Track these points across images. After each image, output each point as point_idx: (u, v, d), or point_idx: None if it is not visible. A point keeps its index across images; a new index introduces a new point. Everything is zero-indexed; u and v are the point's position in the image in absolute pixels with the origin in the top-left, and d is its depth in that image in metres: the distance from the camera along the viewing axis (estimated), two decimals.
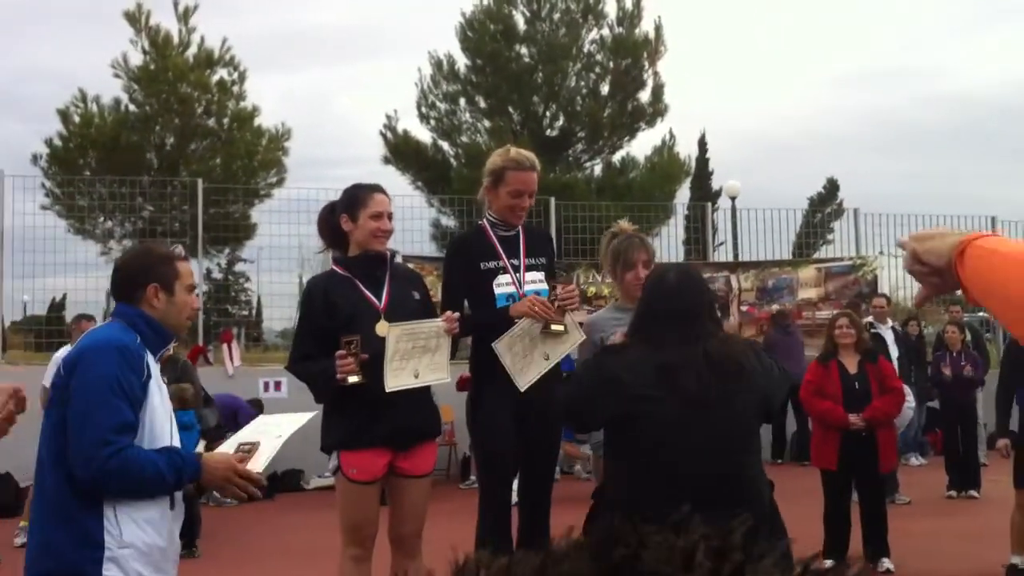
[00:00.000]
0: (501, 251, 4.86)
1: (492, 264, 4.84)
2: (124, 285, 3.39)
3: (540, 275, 4.92)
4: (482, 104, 22.63)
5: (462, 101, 22.74)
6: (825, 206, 29.16)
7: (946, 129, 70.08)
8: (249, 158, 21.04)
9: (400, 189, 18.67)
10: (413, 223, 15.38)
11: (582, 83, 22.61)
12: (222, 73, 21.12)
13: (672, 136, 22.54)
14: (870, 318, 10.77)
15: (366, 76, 68.69)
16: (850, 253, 15.62)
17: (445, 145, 22.88)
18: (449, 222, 20.20)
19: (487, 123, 22.52)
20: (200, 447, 8.09)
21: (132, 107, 20.67)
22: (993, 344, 16.29)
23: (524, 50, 22.46)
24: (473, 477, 10.60)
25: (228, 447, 3.51)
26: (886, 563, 7.21)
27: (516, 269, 4.86)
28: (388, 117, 22.67)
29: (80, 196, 18.77)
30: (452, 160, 22.54)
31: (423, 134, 22.85)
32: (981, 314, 17.76)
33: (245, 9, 55.65)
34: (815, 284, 14.91)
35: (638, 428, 3.50)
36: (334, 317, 4.60)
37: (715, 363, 3.49)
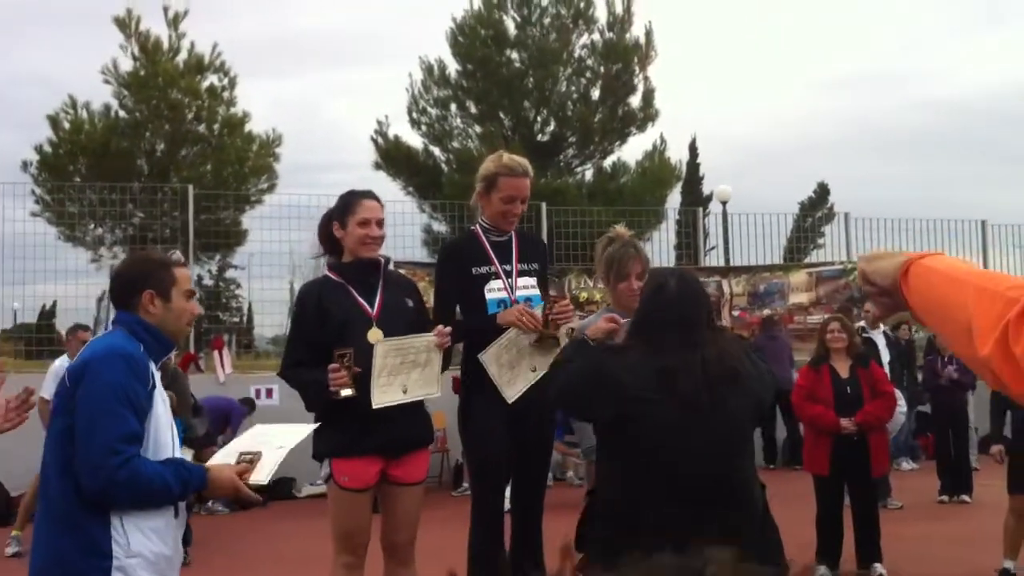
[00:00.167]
0: (493, 256, 4.86)
1: (484, 269, 4.83)
2: (121, 292, 3.39)
3: (532, 280, 4.91)
4: (473, 109, 22.63)
5: (453, 106, 22.75)
6: (816, 211, 29.21)
7: (937, 134, 70.32)
8: (240, 164, 21.02)
9: (391, 195, 18.71)
10: (404, 229, 15.40)
11: (573, 88, 22.63)
12: (212, 79, 21.12)
13: (663, 141, 22.63)
14: (862, 323, 10.78)
15: (357, 82, 68.68)
16: (841, 258, 15.64)
17: (436, 150, 22.91)
18: (440, 227, 20.20)
19: (478, 128, 22.54)
20: (188, 455, 8.07)
21: (122, 113, 20.64)
22: None
23: (515, 55, 22.47)
24: (465, 484, 10.58)
25: (229, 456, 3.49)
26: (878, 568, 7.21)
27: (508, 275, 4.85)
28: (379, 123, 22.70)
29: (70, 203, 18.71)
30: (443, 165, 22.55)
31: (414, 139, 22.90)
32: None
33: (235, 15, 55.63)
34: (806, 288, 14.93)
35: (635, 429, 3.51)
36: (327, 323, 4.59)
37: (713, 368, 3.52)
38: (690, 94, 65.19)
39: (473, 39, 22.18)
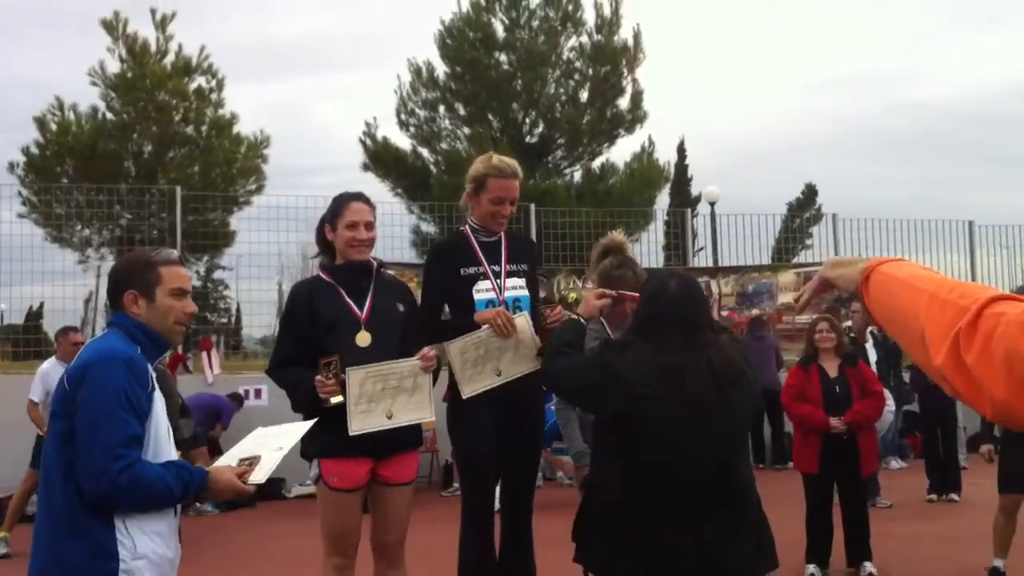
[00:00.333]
0: (482, 257, 4.84)
1: (472, 270, 4.82)
2: (111, 293, 3.38)
3: (521, 281, 4.90)
4: (461, 111, 22.64)
5: (441, 108, 22.76)
6: (804, 211, 29.31)
7: (924, 135, 70.51)
8: (228, 166, 20.99)
9: (380, 196, 18.64)
10: (393, 230, 15.39)
11: (561, 90, 22.65)
12: (200, 81, 21.10)
13: (651, 142, 22.68)
14: (849, 323, 10.82)
15: (345, 84, 68.58)
16: (829, 258, 15.68)
17: (425, 152, 22.92)
18: (429, 228, 20.19)
19: (467, 130, 22.55)
20: (175, 457, 8.04)
21: (109, 115, 20.60)
22: None
23: (503, 57, 22.49)
24: (455, 484, 10.57)
25: (230, 460, 3.47)
26: (868, 566, 7.22)
27: (497, 275, 4.84)
28: (368, 124, 22.69)
29: (57, 204, 18.65)
30: (432, 167, 22.55)
31: (403, 141, 22.90)
32: None
33: (223, 17, 55.53)
34: (794, 289, 14.96)
35: (639, 427, 3.54)
36: (316, 323, 4.58)
37: (719, 369, 3.59)
38: (678, 96, 65.28)
39: (462, 41, 22.20)
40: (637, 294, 4.29)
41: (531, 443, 5.00)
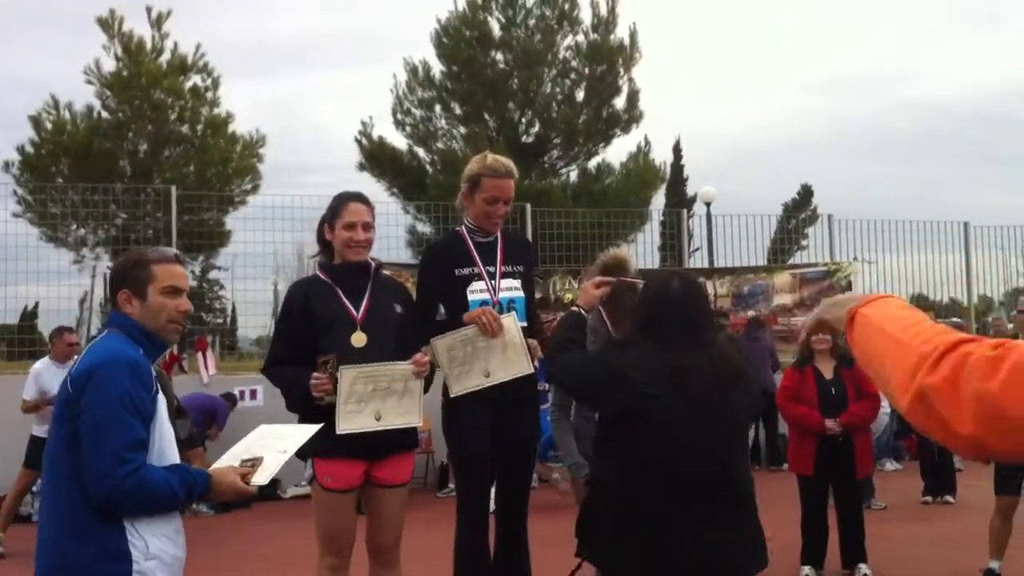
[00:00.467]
0: (477, 258, 4.84)
1: (467, 271, 4.82)
2: (109, 294, 3.37)
3: (516, 283, 4.88)
4: (457, 111, 22.61)
5: (437, 108, 22.72)
6: (799, 212, 29.32)
7: (920, 136, 70.54)
8: (223, 165, 20.96)
9: (376, 196, 18.59)
10: (389, 230, 15.37)
11: (557, 89, 22.63)
12: (196, 79, 21.06)
13: (647, 142, 22.66)
14: None
15: (341, 83, 68.49)
16: (824, 259, 15.70)
17: (421, 152, 22.88)
18: (425, 228, 20.18)
19: (463, 129, 22.52)
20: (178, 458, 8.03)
21: (105, 114, 20.55)
22: None
23: (499, 56, 22.47)
24: (451, 486, 10.57)
25: (231, 460, 3.45)
26: (863, 568, 7.23)
27: (492, 276, 4.83)
28: (363, 124, 22.64)
29: (52, 203, 18.61)
30: (428, 167, 22.53)
31: (399, 141, 22.86)
32: (955, 319, 17.88)
33: (218, 15, 55.46)
34: (790, 290, 14.99)
35: (640, 425, 3.58)
36: (312, 323, 4.58)
37: (721, 368, 3.64)
38: (674, 95, 65.36)
39: (458, 40, 22.17)
40: (637, 280, 4.31)
41: (526, 443, 5.00)
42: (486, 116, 22.58)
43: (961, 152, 67.30)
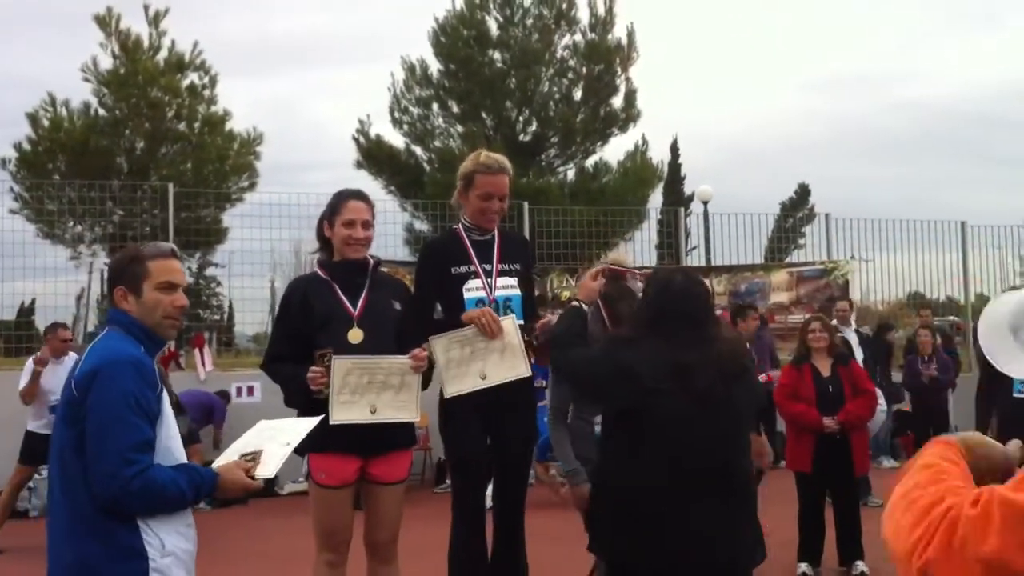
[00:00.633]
0: (473, 256, 4.84)
1: (463, 269, 4.82)
2: (107, 290, 3.36)
3: (513, 281, 4.89)
4: (455, 109, 22.62)
5: (435, 106, 22.74)
6: (796, 211, 29.35)
7: (917, 135, 70.59)
8: (220, 162, 20.95)
9: (373, 194, 18.38)
10: (386, 227, 15.33)
11: (555, 88, 22.64)
12: (193, 77, 21.04)
13: (645, 141, 22.67)
14: (834, 321, 10.85)
15: (338, 81, 68.42)
16: (821, 257, 15.70)
17: (418, 150, 22.89)
18: (422, 226, 20.18)
19: (460, 128, 22.53)
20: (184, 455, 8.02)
21: (102, 111, 20.53)
22: (964, 348, 16.42)
23: (497, 55, 22.48)
24: (448, 481, 10.56)
25: (232, 455, 3.44)
26: (860, 566, 7.23)
27: (488, 274, 4.83)
28: (361, 122, 22.66)
29: (49, 200, 18.59)
30: (425, 165, 22.53)
31: (396, 139, 22.87)
32: (952, 318, 17.91)
33: (215, 13, 55.39)
34: (787, 288, 14.98)
35: (646, 421, 3.62)
36: (309, 319, 4.59)
37: (726, 364, 3.69)
38: (672, 95, 65.32)
39: (455, 39, 22.18)
40: (631, 268, 4.34)
41: (523, 442, 5.00)
42: (484, 115, 22.59)
43: (958, 152, 67.45)
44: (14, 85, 40.71)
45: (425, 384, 4.68)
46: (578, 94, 22.51)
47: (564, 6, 22.31)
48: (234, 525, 9.95)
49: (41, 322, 14.01)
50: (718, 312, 14.33)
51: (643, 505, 3.59)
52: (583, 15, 22.39)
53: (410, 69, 22.64)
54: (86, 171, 18.31)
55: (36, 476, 9.77)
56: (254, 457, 3.37)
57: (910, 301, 17.37)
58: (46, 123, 20.12)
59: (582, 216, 16.93)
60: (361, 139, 22.55)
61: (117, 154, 20.49)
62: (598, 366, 3.85)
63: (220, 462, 3.40)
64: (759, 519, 3.84)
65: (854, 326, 11.43)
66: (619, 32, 22.48)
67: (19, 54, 43.32)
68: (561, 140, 22.76)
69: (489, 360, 4.64)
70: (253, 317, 15.94)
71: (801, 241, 19.80)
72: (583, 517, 4.80)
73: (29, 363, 9.28)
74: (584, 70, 22.35)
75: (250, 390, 12.47)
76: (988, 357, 3.01)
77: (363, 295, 4.66)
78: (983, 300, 17.69)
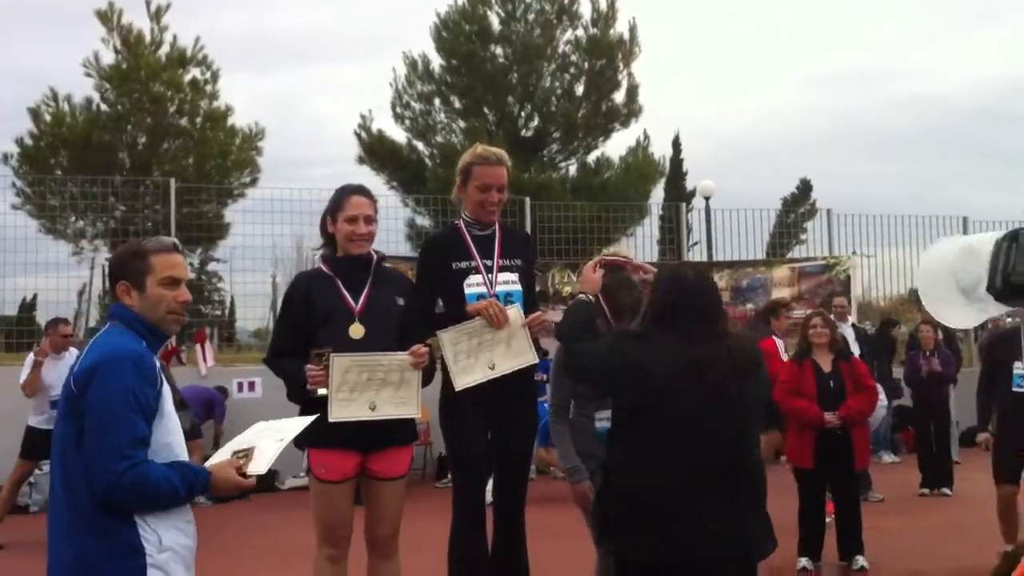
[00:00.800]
0: (474, 251, 4.84)
1: (464, 264, 4.82)
2: (109, 285, 3.35)
3: (514, 276, 4.88)
4: (457, 104, 22.61)
5: (437, 101, 22.72)
6: (798, 206, 29.30)
7: (919, 131, 70.35)
8: (222, 158, 20.94)
9: (375, 189, 18.42)
10: (388, 223, 15.31)
11: (557, 83, 22.62)
12: (195, 72, 21.03)
13: (646, 137, 22.65)
14: (830, 316, 10.84)
15: (340, 77, 68.43)
16: (823, 253, 15.69)
17: (420, 145, 22.87)
18: (424, 222, 20.16)
19: (462, 123, 22.52)
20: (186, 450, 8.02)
21: (104, 106, 20.53)
22: (965, 343, 16.41)
23: (499, 50, 22.46)
24: (449, 476, 10.56)
25: (224, 454, 3.42)
26: (860, 560, 7.24)
27: (489, 270, 4.83)
28: (363, 117, 22.66)
29: (51, 195, 18.61)
30: (427, 160, 22.52)
31: (398, 134, 22.86)
32: None
33: (217, 9, 55.37)
34: (789, 284, 14.97)
35: (659, 416, 3.65)
36: (311, 314, 4.60)
37: (738, 359, 3.73)
38: (674, 90, 65.35)
39: (457, 34, 22.16)
40: (629, 259, 4.37)
41: (523, 437, 5.00)
42: (485, 110, 22.57)
43: (960, 148, 67.29)
44: (16, 80, 40.77)
45: (426, 381, 4.69)
46: (580, 89, 22.50)
47: (566, 1, 22.29)
48: (234, 520, 9.96)
49: (43, 318, 14.05)
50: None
51: (655, 500, 3.61)
52: (585, 10, 22.41)
53: (412, 64, 22.63)
54: (88, 166, 18.32)
55: (37, 471, 9.79)
56: (247, 454, 3.35)
57: (911, 296, 17.37)
58: (48, 118, 20.12)
59: (584, 212, 16.92)
60: (363, 134, 22.56)
61: (119, 149, 20.49)
62: (608, 360, 3.86)
63: (214, 460, 3.39)
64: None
65: (850, 321, 11.44)
66: (621, 27, 22.49)
67: (21, 49, 43.33)
68: (563, 135, 22.74)
69: (497, 350, 4.67)
70: (254, 312, 15.96)
71: (803, 237, 19.84)
72: (583, 513, 4.81)
73: (30, 357, 9.29)
74: (586, 65, 22.33)
75: (251, 385, 12.49)
76: (929, 309, 2.96)
77: (365, 290, 4.67)
78: None
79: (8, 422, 9.77)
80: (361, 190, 4.78)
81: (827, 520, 7.53)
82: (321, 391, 4.45)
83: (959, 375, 11.81)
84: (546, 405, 5.34)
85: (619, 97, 22.50)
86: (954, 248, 2.98)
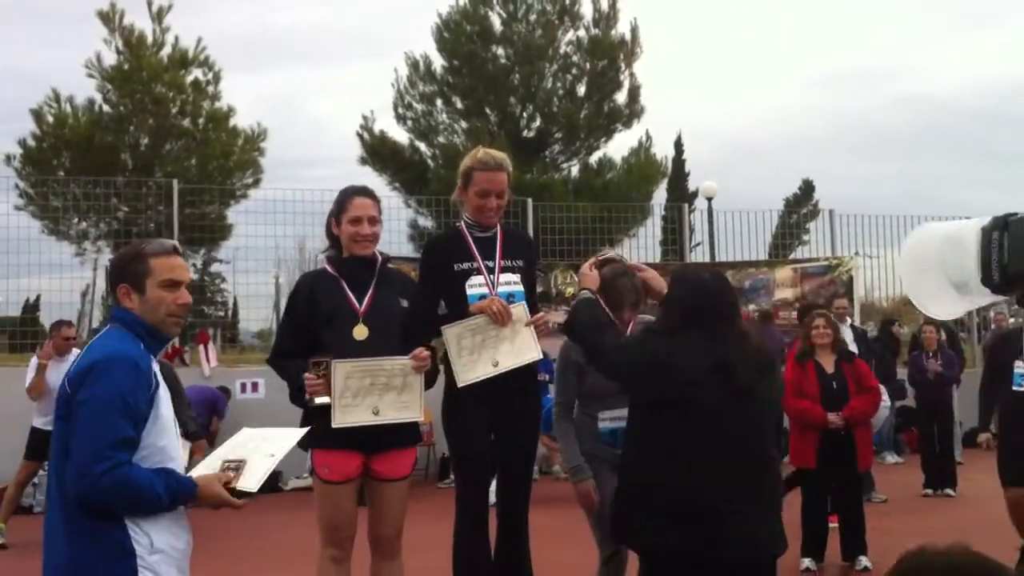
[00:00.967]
0: (476, 253, 4.85)
1: (466, 265, 4.83)
2: (110, 287, 3.34)
3: (516, 277, 4.89)
4: (459, 105, 22.59)
5: (439, 102, 22.70)
6: (801, 207, 29.33)
7: (921, 132, 70.53)
8: (225, 158, 20.91)
9: (377, 190, 18.46)
10: (390, 224, 15.29)
11: (559, 84, 22.60)
12: (197, 73, 20.98)
13: (648, 137, 22.62)
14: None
15: (342, 77, 68.46)
16: (826, 254, 15.70)
17: (422, 146, 22.86)
18: (426, 223, 20.17)
19: (464, 124, 22.50)
20: (186, 450, 8.01)
21: (106, 107, 20.49)
22: (968, 343, 16.41)
23: (500, 51, 22.44)
24: (452, 476, 10.57)
25: (212, 464, 3.39)
26: (863, 561, 7.24)
27: (491, 271, 4.84)
28: (365, 118, 22.63)
29: (54, 197, 18.60)
30: (429, 161, 22.51)
31: (400, 135, 22.84)
32: None
33: (219, 9, 55.41)
34: (791, 284, 14.98)
35: (686, 412, 3.69)
36: (315, 315, 4.61)
37: (760, 357, 3.84)
38: (676, 91, 65.34)
39: (459, 35, 22.15)
40: (618, 255, 4.42)
41: (526, 438, 5.00)
42: (487, 111, 22.56)
43: (961, 148, 67.28)
44: (18, 81, 40.86)
45: (428, 384, 4.69)
46: (582, 90, 22.48)
47: (567, 2, 22.26)
48: (237, 521, 9.94)
49: (46, 319, 14.07)
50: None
51: (684, 497, 3.64)
52: (586, 10, 22.37)
53: (413, 65, 22.62)
54: (91, 167, 18.30)
55: (41, 472, 9.79)
56: (238, 467, 3.32)
57: None
58: (50, 119, 20.10)
59: (586, 212, 16.92)
60: (365, 135, 22.55)
61: (122, 150, 20.47)
62: (633, 355, 3.91)
63: (201, 470, 3.35)
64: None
65: (849, 321, 11.44)
66: (623, 27, 22.46)
67: (23, 50, 43.38)
68: (565, 136, 22.73)
69: (501, 347, 4.67)
70: (257, 313, 16.00)
71: (805, 237, 19.84)
72: (586, 513, 4.82)
73: (34, 360, 9.31)
74: (588, 66, 22.31)
75: (254, 386, 12.51)
76: (915, 302, 2.90)
77: (370, 292, 4.67)
78: None
79: (12, 423, 9.79)
80: (365, 191, 4.80)
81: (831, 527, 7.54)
82: (319, 400, 4.46)
83: (962, 376, 11.81)
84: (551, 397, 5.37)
85: (621, 98, 22.50)
86: (935, 238, 2.92)
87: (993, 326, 15.59)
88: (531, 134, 22.74)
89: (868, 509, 7.81)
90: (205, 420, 11.43)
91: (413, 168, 22.31)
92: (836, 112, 70.60)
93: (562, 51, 22.46)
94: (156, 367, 3.27)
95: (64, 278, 14.53)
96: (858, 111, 66.80)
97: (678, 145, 37.62)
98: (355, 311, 4.62)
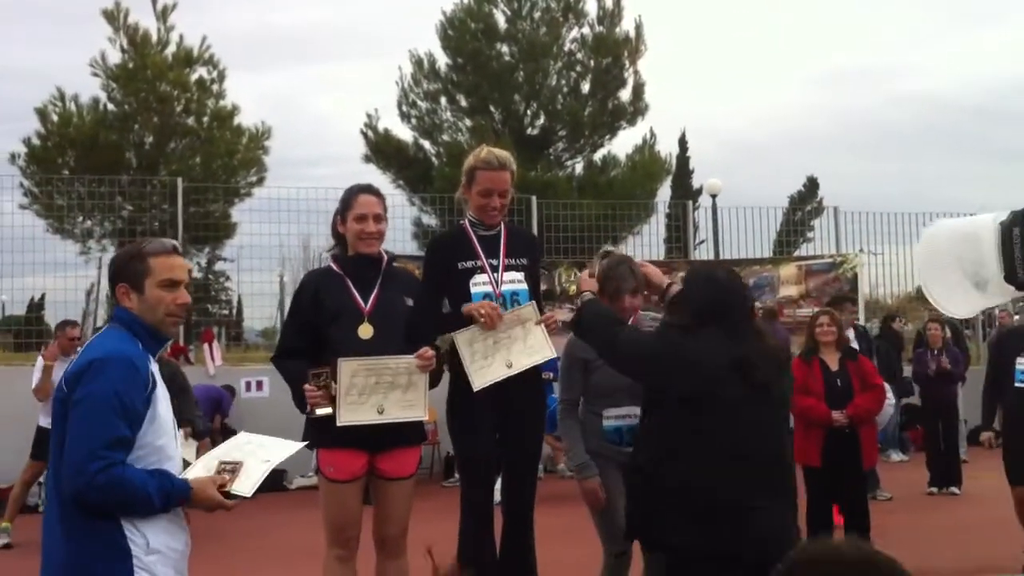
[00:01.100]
0: (480, 251, 4.85)
1: (470, 264, 4.83)
2: (109, 287, 3.34)
3: (520, 275, 4.89)
4: (463, 103, 22.61)
5: (443, 100, 22.73)
6: (805, 204, 29.24)
7: (920, 130, 70.23)
8: (229, 157, 20.93)
9: (381, 188, 18.50)
10: (395, 222, 15.27)
11: (563, 82, 22.61)
12: (201, 72, 21.01)
13: (653, 135, 22.63)
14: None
15: (346, 76, 68.35)
16: (830, 251, 15.69)
17: (426, 144, 22.89)
18: (431, 221, 20.18)
19: (468, 122, 22.52)
20: (192, 449, 8.02)
21: (111, 106, 20.53)
22: (973, 341, 16.38)
23: (505, 49, 22.46)
24: (457, 475, 10.58)
25: (208, 466, 3.38)
26: None
27: (495, 269, 4.84)
28: (369, 116, 22.66)
29: (59, 195, 18.63)
30: (433, 159, 22.53)
31: (404, 133, 22.87)
32: None
33: (224, 7, 55.37)
34: (796, 282, 14.97)
35: (706, 410, 3.71)
36: (320, 313, 4.61)
37: (774, 355, 3.89)
38: (680, 88, 64.99)
39: (463, 32, 22.16)
40: (611, 248, 4.47)
41: (531, 437, 5.00)
42: (492, 108, 22.58)
43: (961, 146, 67.09)
44: (22, 80, 40.81)
45: (433, 383, 4.69)
46: (586, 87, 22.50)
47: None
48: (241, 520, 9.97)
49: (51, 317, 14.08)
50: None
51: (707, 496, 3.66)
52: (591, 8, 22.41)
53: (418, 63, 22.64)
54: (95, 166, 18.32)
55: (47, 471, 9.81)
56: (234, 468, 3.31)
57: (919, 294, 17.32)
58: (55, 118, 20.12)
59: (590, 210, 16.93)
60: (369, 133, 22.58)
61: (126, 149, 20.50)
62: (652, 349, 3.94)
63: (196, 472, 3.34)
64: None
65: (852, 319, 11.40)
66: (627, 25, 22.48)
67: (27, 49, 43.39)
68: (569, 134, 22.74)
69: (513, 348, 4.68)
70: (262, 312, 16.03)
71: (810, 234, 19.79)
72: (592, 511, 4.81)
73: (39, 361, 9.32)
74: (592, 63, 22.32)
75: (259, 384, 12.51)
76: (933, 301, 2.89)
77: (375, 290, 4.67)
78: None
79: (18, 422, 9.80)
80: (370, 189, 4.80)
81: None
82: (320, 412, 4.46)
83: (967, 373, 11.79)
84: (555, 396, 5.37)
85: (625, 95, 22.52)
86: (951, 235, 2.90)
87: (998, 323, 15.57)
88: (535, 132, 22.75)
89: (873, 507, 7.80)
90: (210, 418, 11.44)
91: (417, 166, 22.33)
92: (837, 110, 70.41)
93: (566, 49, 22.48)
94: (155, 367, 3.26)
95: (69, 277, 14.59)
96: (859, 109, 66.56)
97: (682, 142, 37.51)
98: (360, 310, 4.62)
